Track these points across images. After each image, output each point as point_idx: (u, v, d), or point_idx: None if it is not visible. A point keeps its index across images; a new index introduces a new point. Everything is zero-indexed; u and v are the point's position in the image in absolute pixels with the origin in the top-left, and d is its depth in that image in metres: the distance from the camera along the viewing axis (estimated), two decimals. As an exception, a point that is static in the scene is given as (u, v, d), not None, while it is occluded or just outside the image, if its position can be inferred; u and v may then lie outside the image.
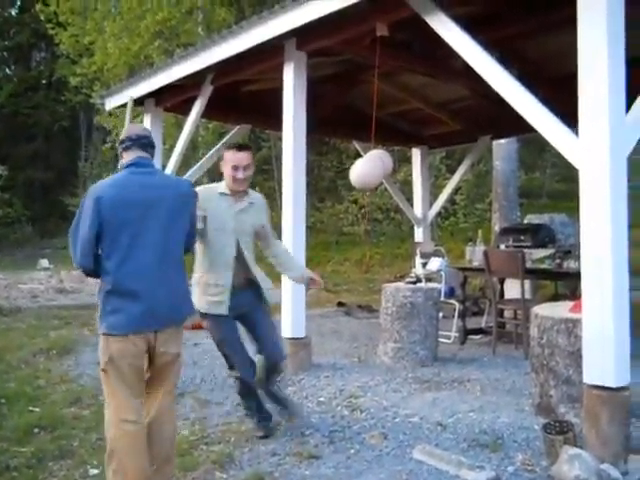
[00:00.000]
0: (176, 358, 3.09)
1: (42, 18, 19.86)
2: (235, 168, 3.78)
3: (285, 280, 5.64)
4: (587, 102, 3.51)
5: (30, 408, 4.71)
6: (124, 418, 2.89)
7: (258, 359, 3.97)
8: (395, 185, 10.79)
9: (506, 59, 4.49)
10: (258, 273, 3.96)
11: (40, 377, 5.60)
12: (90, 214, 2.88)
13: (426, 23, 4.43)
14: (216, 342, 3.95)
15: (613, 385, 3.39)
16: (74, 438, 4.05)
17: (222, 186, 3.89)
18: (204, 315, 3.83)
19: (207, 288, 3.80)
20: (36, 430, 4.22)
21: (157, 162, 7.41)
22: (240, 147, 3.89)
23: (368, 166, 5.41)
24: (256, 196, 4.04)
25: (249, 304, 3.90)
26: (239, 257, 3.82)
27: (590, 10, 3.50)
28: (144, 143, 3.05)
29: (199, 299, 3.77)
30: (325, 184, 19.87)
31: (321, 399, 4.70)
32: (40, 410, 4.65)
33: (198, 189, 3.65)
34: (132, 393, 2.94)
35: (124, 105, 8.15)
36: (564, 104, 3.89)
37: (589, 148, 3.49)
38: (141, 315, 2.89)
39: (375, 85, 5.76)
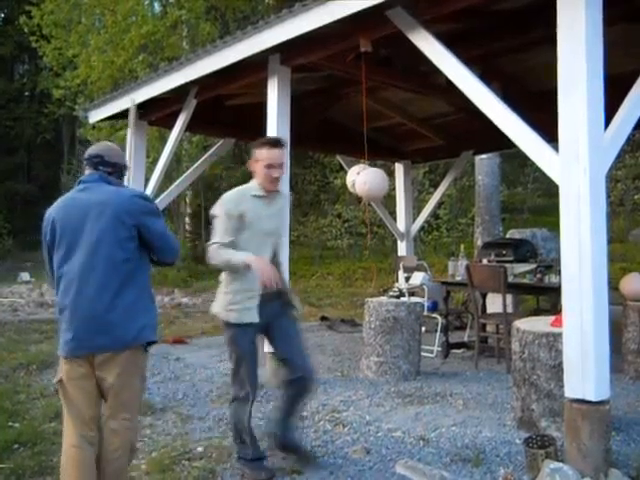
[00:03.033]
0: (114, 386, 2.84)
1: (25, 30, 19.77)
2: (270, 166, 3.47)
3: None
4: (566, 119, 3.56)
5: (10, 423, 4.66)
6: (69, 442, 2.87)
7: (281, 384, 3.73)
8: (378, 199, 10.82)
9: (487, 75, 4.56)
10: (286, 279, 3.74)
11: (20, 392, 5.54)
12: (42, 234, 2.98)
13: (409, 40, 4.48)
14: (236, 356, 3.59)
15: (593, 399, 3.41)
16: (54, 454, 3.99)
17: (254, 187, 3.56)
18: (230, 325, 3.56)
19: (236, 295, 3.51)
20: (16, 446, 4.17)
21: (140, 176, 7.46)
22: (275, 143, 3.55)
23: (378, 177, 5.52)
24: (285, 195, 3.81)
25: (277, 313, 3.63)
26: (273, 261, 3.55)
27: (570, 29, 3.56)
28: (95, 162, 3.03)
29: (226, 307, 3.54)
30: (309, 198, 19.91)
31: (304, 414, 4.68)
32: (20, 425, 4.60)
33: (229, 194, 3.53)
34: (79, 416, 2.86)
35: (108, 118, 8.15)
36: (545, 119, 3.95)
37: (569, 164, 3.54)
38: (71, 339, 2.82)
39: (364, 101, 5.80)
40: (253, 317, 3.48)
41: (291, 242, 6.11)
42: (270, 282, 3.31)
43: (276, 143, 3.54)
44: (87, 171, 3.06)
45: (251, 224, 3.47)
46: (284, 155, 3.57)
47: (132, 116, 7.27)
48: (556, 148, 3.64)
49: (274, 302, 3.57)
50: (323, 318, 9.72)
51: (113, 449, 2.87)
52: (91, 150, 3.11)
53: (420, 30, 4.39)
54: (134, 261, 2.88)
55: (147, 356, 3.02)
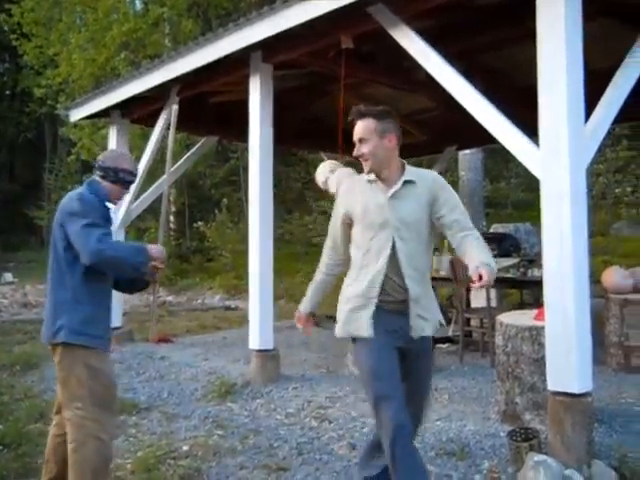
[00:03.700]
0: (59, 377, 3.05)
1: (6, 29, 19.60)
2: (355, 143, 2.95)
3: (252, 290, 5.63)
4: (546, 113, 3.59)
5: (-7, 425, 4.62)
6: None
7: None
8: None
9: (470, 71, 4.57)
10: (422, 286, 2.89)
11: (3, 393, 5.50)
12: None
13: (390, 36, 4.49)
14: (362, 377, 2.91)
15: (576, 391, 3.44)
16: (39, 455, 3.96)
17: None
18: (353, 341, 2.94)
19: (348, 302, 2.91)
20: (0, 447, 4.14)
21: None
22: (358, 114, 2.97)
23: (345, 177, 5.48)
24: (421, 174, 2.93)
25: (401, 333, 2.84)
26: (392, 259, 2.81)
27: (549, 25, 3.59)
28: (93, 166, 3.25)
29: (340, 318, 2.96)
30: (293, 195, 19.87)
31: (290, 410, 4.69)
32: (4, 427, 4.57)
33: (343, 180, 3.26)
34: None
35: (89, 117, 8.09)
36: (528, 114, 3.97)
37: (549, 159, 3.57)
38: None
39: (342, 97, 5.80)
40: (362, 330, 2.83)
41: (276, 239, 6.10)
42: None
43: (359, 114, 2.97)
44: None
45: (361, 214, 2.89)
46: (369, 127, 2.89)
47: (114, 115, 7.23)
48: (537, 143, 3.67)
49: (400, 311, 2.84)
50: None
51: (72, 439, 2.95)
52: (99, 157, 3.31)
53: (402, 26, 4.40)
54: (63, 261, 3.01)
55: (95, 352, 3.00)
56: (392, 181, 2.88)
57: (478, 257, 2.74)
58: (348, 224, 2.96)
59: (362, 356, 2.87)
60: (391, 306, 2.84)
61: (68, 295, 2.98)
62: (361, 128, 2.91)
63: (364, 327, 2.82)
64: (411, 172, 2.91)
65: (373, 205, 2.86)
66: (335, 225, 3.05)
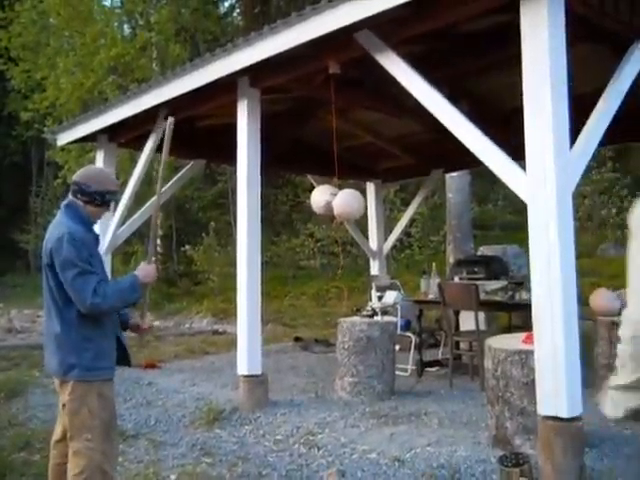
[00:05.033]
0: (68, 409, 2.99)
1: (-7, 53, 19.63)
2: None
3: (240, 315, 5.59)
4: (532, 138, 3.62)
5: (-24, 455, 4.54)
6: None
7: None
8: (350, 218, 10.85)
9: (456, 95, 4.62)
10: None
11: (-13, 422, 5.41)
12: None
13: (377, 61, 4.53)
14: None
15: (566, 415, 3.43)
16: (23, 485, 3.92)
17: None
18: None
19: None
20: (-18, 478, 4.07)
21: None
22: None
23: (356, 198, 5.62)
24: None
25: None
26: None
27: (533, 50, 3.64)
28: (73, 189, 3.14)
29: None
30: (281, 218, 19.90)
31: (278, 437, 4.64)
32: (-13, 456, 4.49)
33: None
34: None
35: (77, 141, 8.07)
36: (513, 138, 4.00)
37: (536, 183, 3.59)
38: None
39: (333, 122, 5.83)
40: None
41: (264, 262, 6.08)
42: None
43: None
44: (69, 195, 3.16)
45: None
46: None
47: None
48: (524, 166, 3.70)
49: None
50: (297, 339, 9.67)
51: (79, 471, 2.91)
52: (75, 175, 3.20)
53: (388, 52, 4.45)
54: (59, 299, 2.96)
55: (108, 381, 3.06)
56: None
57: None
58: None
59: None
60: None
61: (72, 333, 2.95)
62: None
63: None
64: None
65: None
66: None
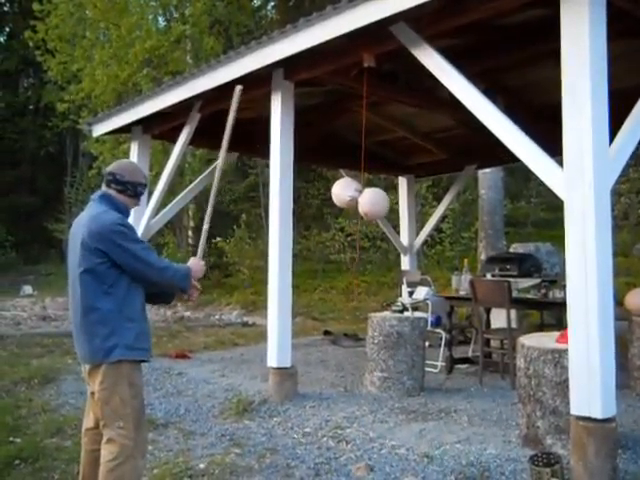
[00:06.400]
0: (100, 397, 3.01)
1: (31, 45, 19.89)
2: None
3: (271, 307, 5.61)
4: (571, 134, 3.55)
5: (11, 439, 4.62)
6: None
7: None
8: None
9: (491, 90, 4.56)
10: None
11: (21, 407, 5.50)
12: None
13: (412, 55, 4.49)
14: None
15: (599, 416, 3.38)
16: (55, 470, 3.98)
17: None
18: None
19: None
20: (17, 462, 4.14)
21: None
22: None
23: (381, 198, 5.61)
24: None
25: None
26: None
27: (574, 45, 3.57)
28: (107, 180, 3.19)
29: None
30: (312, 212, 19.89)
31: (307, 430, 4.65)
32: (21, 441, 4.57)
33: None
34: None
35: (111, 132, 8.17)
36: (549, 133, 3.94)
37: (573, 180, 3.53)
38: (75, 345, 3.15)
39: (364, 116, 5.80)
40: None
41: (294, 256, 6.08)
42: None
43: None
44: (102, 187, 3.21)
45: None
46: None
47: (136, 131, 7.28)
48: (560, 162, 3.63)
49: None
50: (326, 332, 9.68)
51: (111, 457, 2.96)
52: (108, 167, 3.27)
53: (424, 45, 4.40)
54: (104, 281, 2.98)
55: (135, 367, 3.07)
56: None
57: None
58: None
59: None
60: None
61: (117, 312, 2.98)
62: None
63: None
64: None
65: None
66: None
